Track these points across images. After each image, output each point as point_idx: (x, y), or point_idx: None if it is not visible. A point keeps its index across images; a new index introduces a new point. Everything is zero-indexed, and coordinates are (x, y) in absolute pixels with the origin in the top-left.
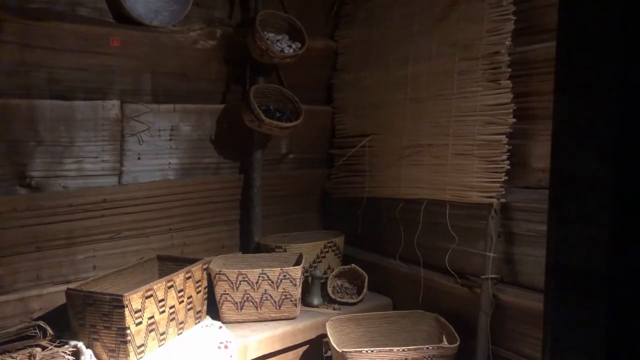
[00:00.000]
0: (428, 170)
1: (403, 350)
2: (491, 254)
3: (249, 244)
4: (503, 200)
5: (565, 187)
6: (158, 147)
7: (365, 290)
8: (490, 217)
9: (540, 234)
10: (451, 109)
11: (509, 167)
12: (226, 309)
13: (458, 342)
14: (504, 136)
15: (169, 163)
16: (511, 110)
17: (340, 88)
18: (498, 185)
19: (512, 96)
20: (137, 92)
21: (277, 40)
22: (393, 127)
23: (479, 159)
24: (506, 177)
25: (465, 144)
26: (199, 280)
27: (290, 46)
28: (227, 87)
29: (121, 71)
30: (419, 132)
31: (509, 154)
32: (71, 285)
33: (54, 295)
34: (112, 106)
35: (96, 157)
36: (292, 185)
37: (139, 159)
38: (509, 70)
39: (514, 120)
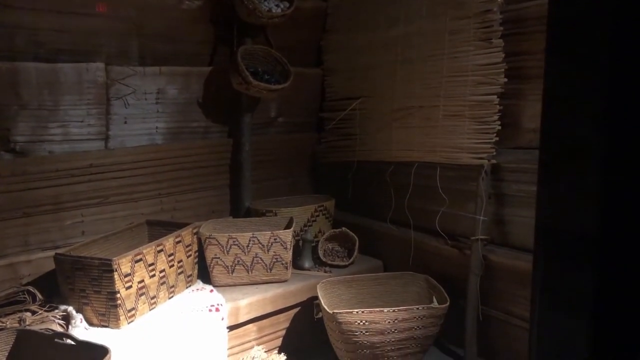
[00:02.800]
0: (419, 132)
1: (393, 310)
2: (481, 215)
3: (239, 209)
4: (494, 161)
5: (555, 149)
6: (144, 111)
7: (356, 253)
8: (480, 178)
9: (531, 195)
10: (442, 70)
11: (499, 127)
12: (217, 272)
13: (448, 303)
14: (495, 96)
15: (156, 127)
16: (503, 70)
17: (330, 49)
18: (489, 146)
19: (503, 55)
20: (123, 55)
21: (265, 0)
22: (384, 89)
23: (470, 120)
24: (497, 138)
25: (456, 104)
26: (189, 245)
27: (278, 5)
28: (214, 48)
29: (105, 33)
30: (409, 94)
31: (500, 114)
32: (60, 251)
33: (43, 260)
34: (96, 69)
35: (82, 121)
36: (282, 149)
37: (125, 123)
38: (501, 28)
39: (506, 80)
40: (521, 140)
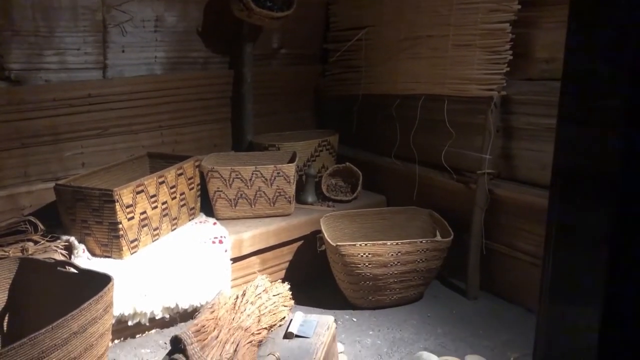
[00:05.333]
0: (426, 63)
1: (397, 243)
2: (488, 149)
3: (241, 143)
4: (503, 92)
5: (576, 84)
6: (143, 39)
7: (359, 188)
8: (489, 111)
9: (541, 128)
10: None
11: (511, 57)
12: (220, 205)
13: (452, 236)
14: (508, 24)
15: (155, 57)
16: None
17: None
18: (499, 77)
19: None
20: None
21: None
22: (391, 18)
23: (480, 50)
24: (508, 69)
25: (466, 33)
26: (191, 177)
27: None
28: None
29: None
30: (417, 23)
31: (512, 43)
32: (60, 182)
33: (44, 192)
34: None
35: (78, 49)
36: (285, 82)
37: (123, 51)
38: None
39: (519, 6)
40: (533, 71)
